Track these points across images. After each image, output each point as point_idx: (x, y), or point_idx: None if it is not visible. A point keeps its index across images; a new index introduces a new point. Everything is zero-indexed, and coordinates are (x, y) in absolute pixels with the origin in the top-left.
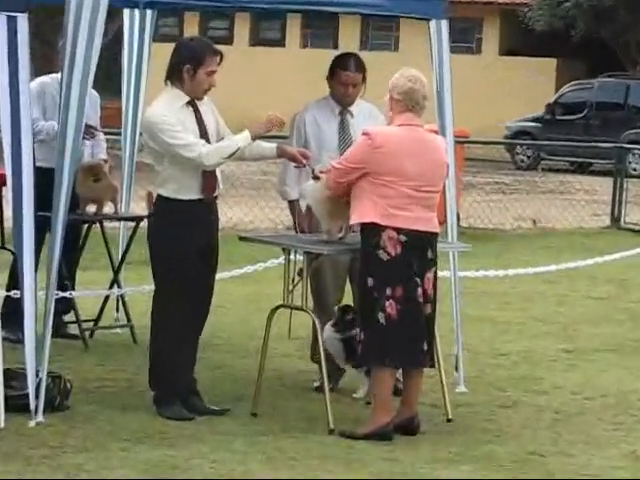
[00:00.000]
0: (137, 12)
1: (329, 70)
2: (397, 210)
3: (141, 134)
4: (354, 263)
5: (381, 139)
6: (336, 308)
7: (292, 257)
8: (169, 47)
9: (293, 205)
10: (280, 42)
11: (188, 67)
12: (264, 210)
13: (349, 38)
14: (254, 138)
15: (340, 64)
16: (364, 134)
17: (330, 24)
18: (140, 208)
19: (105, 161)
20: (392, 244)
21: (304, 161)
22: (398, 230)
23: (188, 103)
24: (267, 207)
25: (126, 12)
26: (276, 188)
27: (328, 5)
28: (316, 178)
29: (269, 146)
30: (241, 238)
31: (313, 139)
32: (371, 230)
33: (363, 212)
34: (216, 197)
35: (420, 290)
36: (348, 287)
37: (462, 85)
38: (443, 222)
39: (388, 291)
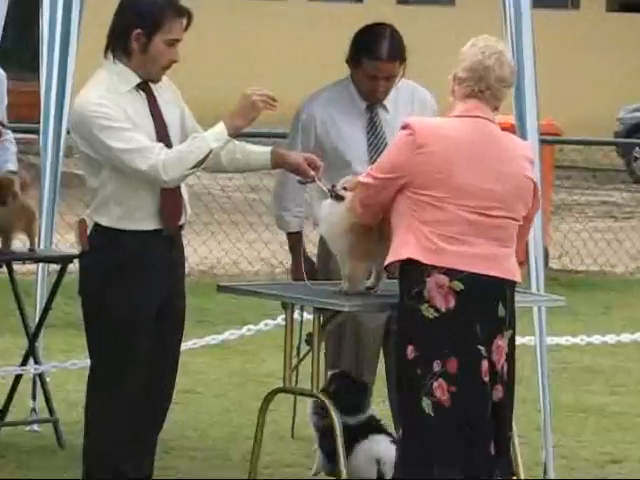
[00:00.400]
0: None
1: (350, 53)
2: (449, 243)
3: (69, 132)
4: (390, 325)
5: (427, 134)
6: (329, 374)
7: (297, 316)
8: (111, 3)
9: (295, 239)
10: None
11: (139, 33)
12: (254, 245)
13: None
14: (233, 134)
15: (366, 49)
16: (403, 127)
17: None
18: (68, 243)
19: (14, 173)
20: (442, 294)
21: (312, 173)
22: (451, 273)
23: (138, 86)
24: (259, 240)
25: None
26: (271, 212)
27: None
28: (337, 198)
29: (260, 150)
30: (220, 288)
31: (329, 145)
32: (411, 273)
33: (399, 246)
34: (181, 227)
35: (486, 364)
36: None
37: (550, 56)
38: (524, 263)
39: (437, 366)
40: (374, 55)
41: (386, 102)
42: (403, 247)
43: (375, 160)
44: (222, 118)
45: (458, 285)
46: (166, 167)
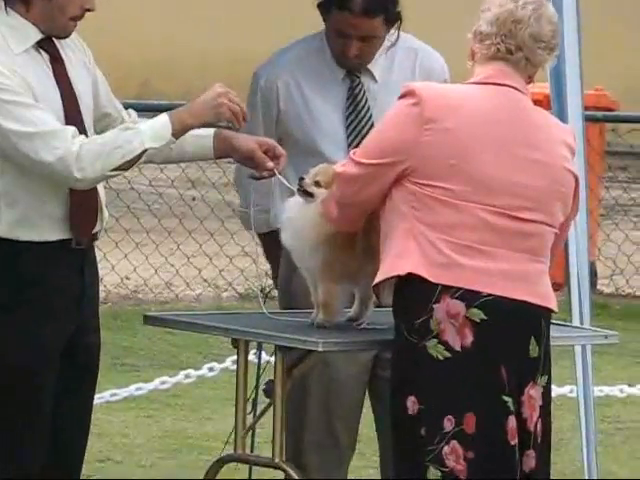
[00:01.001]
0: None
1: None
2: (465, 255)
3: None
4: (378, 369)
5: (438, 104)
6: None
7: (252, 358)
8: None
9: (269, 241)
10: None
11: None
12: (194, 261)
13: None
14: (178, 134)
15: None
16: (405, 94)
17: None
18: None
19: None
20: (456, 327)
21: (270, 164)
22: (468, 297)
23: (39, 45)
24: (200, 254)
25: None
26: (238, 212)
27: None
28: (306, 195)
29: (199, 135)
30: (147, 319)
31: (294, 123)
32: (413, 297)
33: (395, 257)
34: (95, 236)
35: (513, 422)
36: (367, 416)
37: (599, 12)
38: (561, 285)
39: (448, 424)
40: (344, 4)
41: (373, 68)
42: (401, 258)
43: (356, 145)
44: (171, 111)
45: (477, 314)
46: (81, 162)
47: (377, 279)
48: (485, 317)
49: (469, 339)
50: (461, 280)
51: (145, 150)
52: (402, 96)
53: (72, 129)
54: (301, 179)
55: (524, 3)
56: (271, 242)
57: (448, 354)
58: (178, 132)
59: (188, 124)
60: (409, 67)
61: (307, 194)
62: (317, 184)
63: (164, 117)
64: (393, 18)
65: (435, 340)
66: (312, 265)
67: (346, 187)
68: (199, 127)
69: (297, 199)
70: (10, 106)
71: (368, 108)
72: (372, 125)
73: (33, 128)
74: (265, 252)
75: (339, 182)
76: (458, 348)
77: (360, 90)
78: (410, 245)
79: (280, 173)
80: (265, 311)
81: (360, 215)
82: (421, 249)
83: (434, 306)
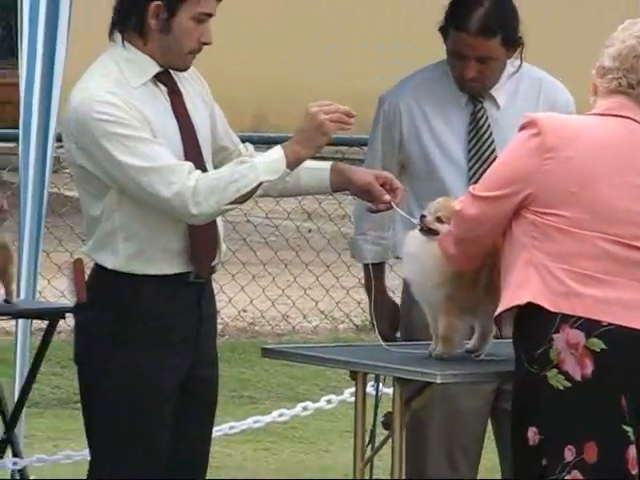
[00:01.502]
0: None
1: (443, 21)
2: (585, 284)
3: (59, 140)
4: (501, 401)
5: (560, 134)
6: None
7: (370, 390)
8: None
9: (373, 273)
10: None
11: (158, 5)
12: (311, 293)
13: None
14: (293, 165)
15: (455, 16)
16: (525, 125)
17: None
18: (57, 292)
19: None
20: (576, 357)
21: (387, 197)
22: (588, 326)
23: (157, 78)
24: (317, 286)
25: None
26: (349, 241)
27: None
28: (429, 233)
29: (315, 167)
30: (265, 352)
31: (416, 148)
32: (533, 326)
33: (516, 287)
34: (213, 269)
35: (634, 452)
36: (487, 447)
37: None
38: None
39: (569, 454)
40: (461, 25)
41: (497, 94)
42: (521, 288)
43: (477, 174)
44: (282, 144)
45: (598, 344)
46: (197, 197)
47: (498, 310)
48: (605, 347)
49: (589, 369)
50: (581, 309)
51: (260, 183)
52: (523, 127)
53: (188, 164)
54: (422, 216)
55: None
56: (376, 273)
57: (568, 384)
58: (292, 163)
59: (302, 155)
60: (533, 96)
61: (430, 232)
62: (439, 220)
63: (278, 150)
64: (511, 40)
65: (555, 370)
66: (434, 300)
67: (465, 224)
68: (313, 154)
69: (417, 234)
70: (128, 141)
71: (490, 134)
72: (494, 151)
73: (150, 163)
74: (366, 282)
75: (458, 220)
76: (578, 378)
77: (482, 115)
78: (530, 275)
79: (397, 206)
80: (382, 343)
81: (480, 252)
82: (541, 278)
83: (554, 336)
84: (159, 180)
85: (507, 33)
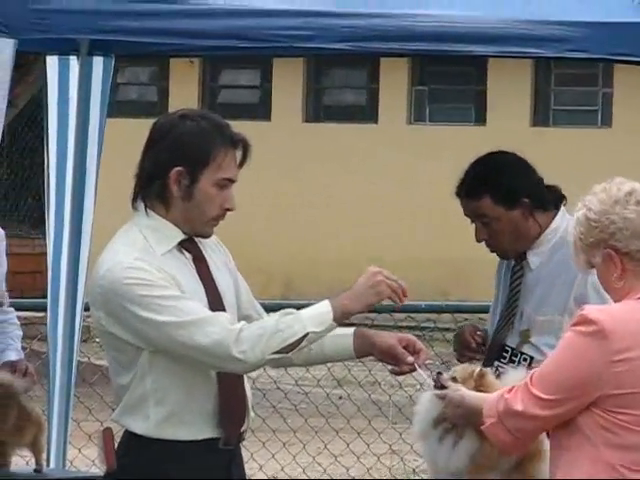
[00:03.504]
0: (75, 60)
1: None
2: (635, 472)
3: (87, 309)
4: None
5: (623, 333)
6: None
7: None
8: (139, 131)
9: None
10: (366, 113)
11: (180, 172)
12: (342, 460)
13: (515, 104)
14: (339, 319)
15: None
16: (580, 322)
17: (470, 76)
18: (87, 461)
19: (15, 364)
20: None
21: (410, 359)
22: None
23: (181, 245)
24: (348, 453)
25: (52, 62)
26: None
27: (471, 42)
28: (440, 388)
29: (339, 334)
30: None
31: None
32: None
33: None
34: (242, 435)
35: None
36: None
37: None
38: None
39: None
40: (457, 192)
41: (530, 256)
42: None
43: (503, 336)
44: (330, 298)
45: None
46: (241, 345)
47: None
48: None
49: None
50: None
51: (307, 334)
52: (577, 323)
53: (226, 315)
54: (439, 373)
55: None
56: None
57: None
58: (339, 317)
59: (349, 309)
60: (565, 263)
61: (442, 387)
62: (454, 380)
63: (325, 303)
64: (503, 198)
65: None
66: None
67: (531, 423)
68: (361, 312)
69: (430, 394)
70: (161, 300)
71: (517, 292)
72: (515, 308)
73: (186, 317)
74: None
75: (519, 419)
76: None
77: (517, 274)
78: (599, 473)
79: (420, 367)
80: None
81: (536, 437)
82: (607, 474)
83: None
84: (196, 331)
85: (495, 191)
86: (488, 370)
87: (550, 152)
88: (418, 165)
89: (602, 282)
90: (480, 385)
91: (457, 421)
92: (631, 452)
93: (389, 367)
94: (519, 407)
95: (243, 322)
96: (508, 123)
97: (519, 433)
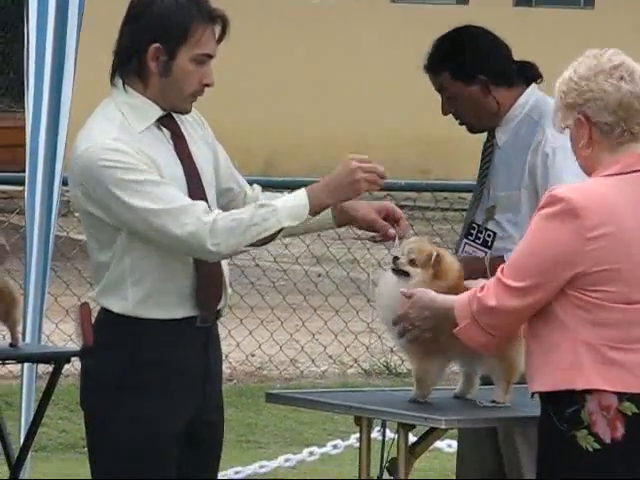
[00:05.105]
0: None
1: None
2: (619, 352)
3: (65, 184)
4: (513, 450)
5: (597, 210)
6: None
7: (376, 435)
8: (117, 7)
9: None
10: None
11: (157, 48)
12: (319, 338)
13: None
14: (316, 212)
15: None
16: (550, 201)
17: None
18: (64, 336)
19: None
20: (607, 419)
21: (392, 230)
22: (620, 393)
23: (160, 122)
24: (326, 331)
25: None
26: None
27: None
28: (399, 274)
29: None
30: (271, 397)
31: None
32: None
33: (565, 368)
34: (219, 313)
35: None
36: None
37: None
38: None
39: None
40: (423, 65)
41: (499, 133)
42: (572, 369)
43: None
44: (307, 188)
45: (629, 407)
46: (215, 237)
47: (546, 388)
48: (637, 411)
49: (620, 432)
50: (614, 377)
51: (282, 229)
52: (546, 204)
53: (203, 205)
54: (395, 258)
55: (630, 75)
56: None
57: (598, 446)
58: (315, 210)
59: (326, 204)
60: (526, 143)
61: (402, 273)
62: (412, 263)
63: (302, 196)
64: (463, 75)
65: (585, 431)
66: (401, 343)
67: (506, 318)
68: (337, 204)
69: (390, 275)
70: (138, 185)
71: (487, 169)
72: (482, 184)
73: (162, 205)
74: None
75: (493, 314)
76: (608, 440)
77: (488, 150)
78: (581, 356)
79: (402, 237)
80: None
81: (511, 334)
82: (592, 358)
83: (587, 397)
84: (171, 221)
85: (453, 68)
86: (445, 252)
87: (533, 32)
88: (400, 43)
89: (572, 147)
90: (438, 272)
91: (421, 323)
92: (609, 329)
93: (369, 235)
94: (492, 302)
95: (218, 211)
96: (491, 2)
97: (495, 330)
